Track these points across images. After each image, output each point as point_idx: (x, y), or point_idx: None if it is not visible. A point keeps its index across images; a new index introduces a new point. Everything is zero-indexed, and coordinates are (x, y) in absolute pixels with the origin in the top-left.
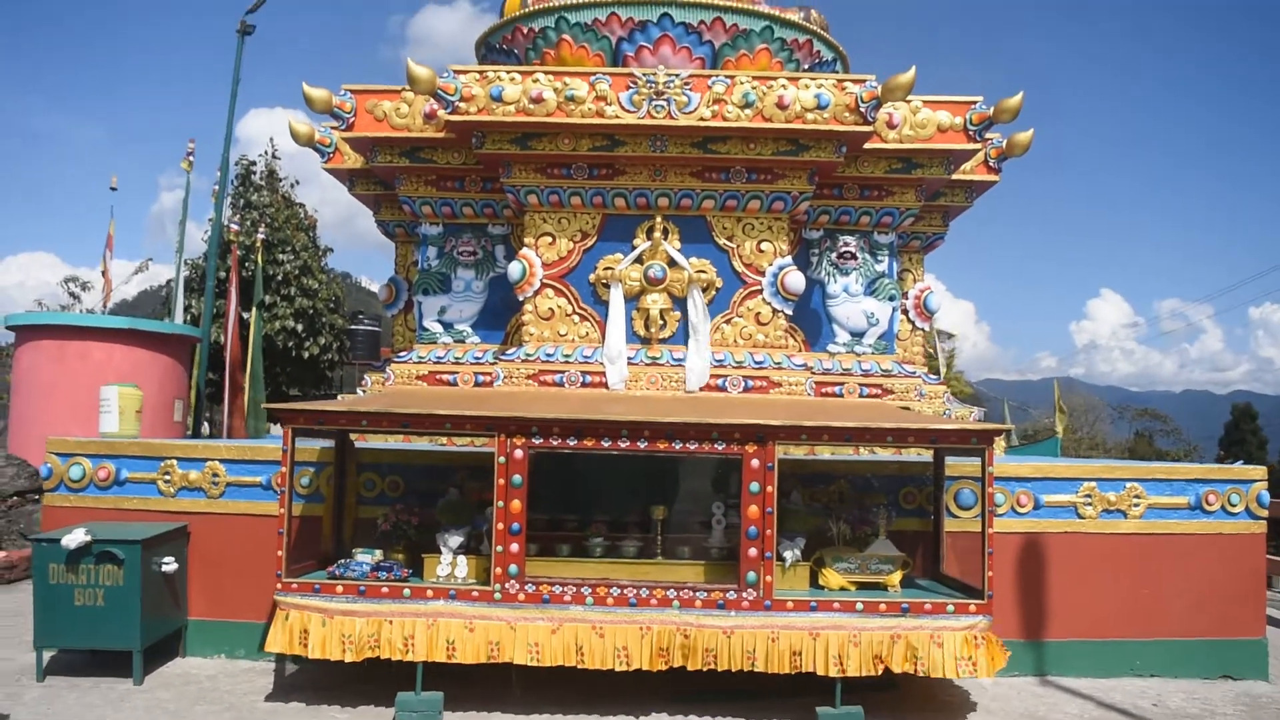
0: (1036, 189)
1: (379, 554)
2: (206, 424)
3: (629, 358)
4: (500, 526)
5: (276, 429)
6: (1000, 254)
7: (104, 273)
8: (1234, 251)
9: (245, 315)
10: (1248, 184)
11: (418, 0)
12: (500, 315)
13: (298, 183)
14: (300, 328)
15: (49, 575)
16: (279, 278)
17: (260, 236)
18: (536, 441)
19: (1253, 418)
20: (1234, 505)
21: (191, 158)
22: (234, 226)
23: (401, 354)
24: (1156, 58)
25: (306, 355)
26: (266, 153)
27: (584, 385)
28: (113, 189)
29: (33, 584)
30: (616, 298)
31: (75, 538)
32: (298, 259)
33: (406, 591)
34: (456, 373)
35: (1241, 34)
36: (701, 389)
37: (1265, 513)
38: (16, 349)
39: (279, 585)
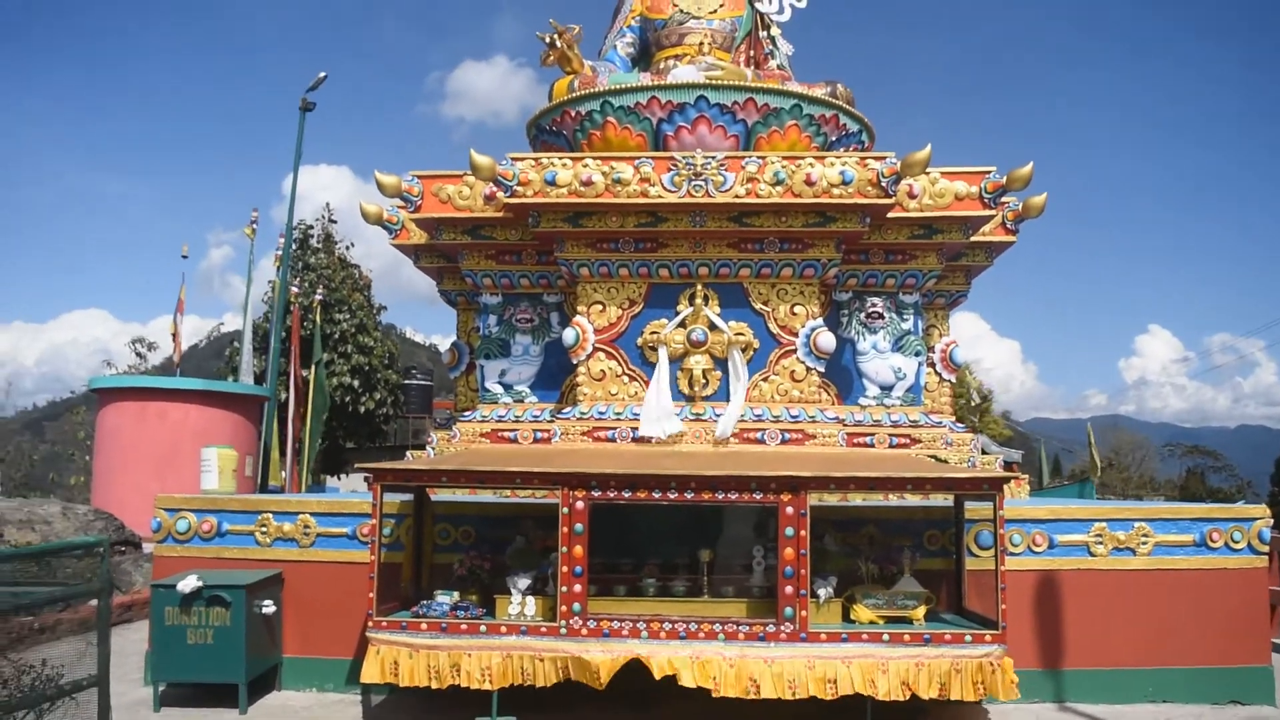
0: (1079, 225)
1: (456, 595)
2: (285, 475)
3: (674, 414)
4: (565, 569)
5: (332, 480)
6: (1045, 292)
7: (174, 335)
8: None
9: (305, 373)
10: None
11: (455, 57)
12: (555, 376)
13: (352, 245)
14: (357, 383)
15: (165, 617)
16: (336, 336)
17: (318, 297)
18: (596, 494)
19: None
20: (1236, 542)
21: (255, 225)
22: (294, 289)
23: (466, 413)
24: (1204, 89)
25: (363, 410)
26: (323, 217)
27: (634, 440)
28: (184, 256)
29: (150, 624)
30: (662, 360)
31: (189, 583)
32: (354, 318)
33: (483, 628)
34: (517, 430)
35: None
36: (731, 437)
37: (1266, 549)
38: (99, 410)
39: (371, 623)
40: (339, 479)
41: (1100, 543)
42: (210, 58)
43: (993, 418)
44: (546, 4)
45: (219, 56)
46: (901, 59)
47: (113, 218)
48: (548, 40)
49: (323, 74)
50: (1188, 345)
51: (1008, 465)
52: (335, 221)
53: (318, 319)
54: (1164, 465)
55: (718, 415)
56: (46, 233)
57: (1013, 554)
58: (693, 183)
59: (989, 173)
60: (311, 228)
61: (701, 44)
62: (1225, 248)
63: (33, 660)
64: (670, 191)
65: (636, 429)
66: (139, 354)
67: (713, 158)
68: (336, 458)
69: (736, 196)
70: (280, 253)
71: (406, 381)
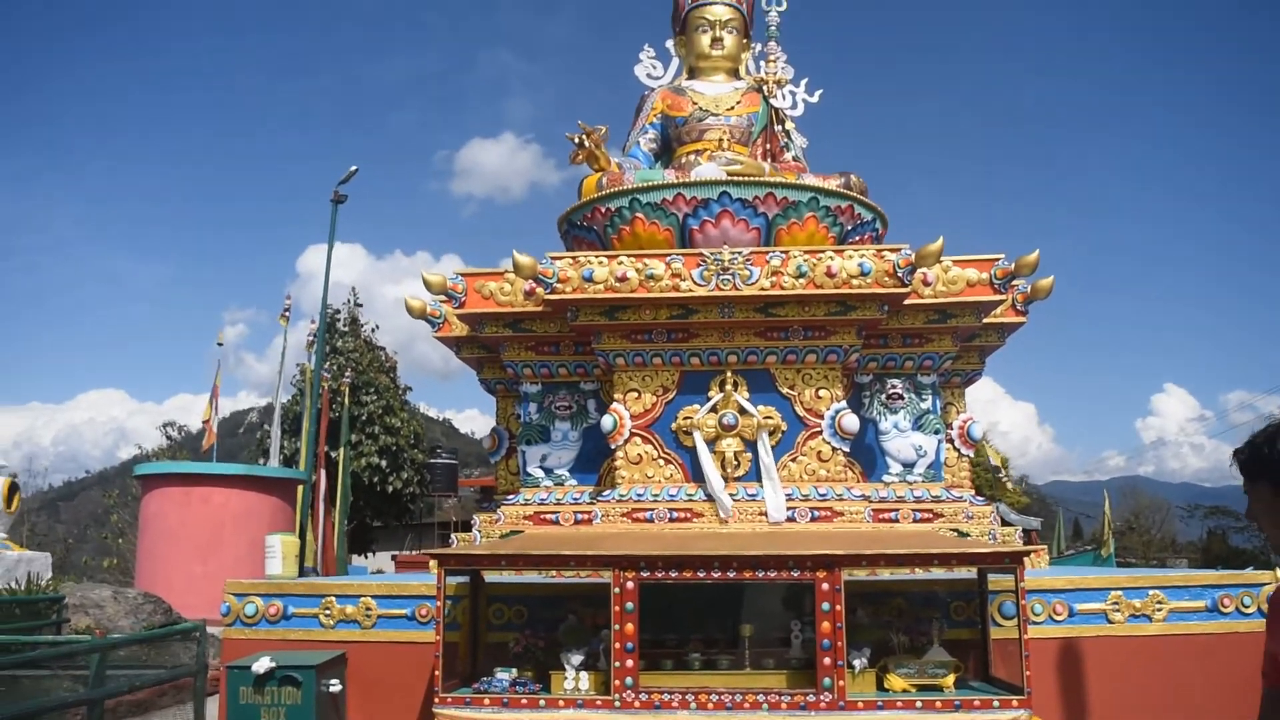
0: (1092, 285)
1: (514, 672)
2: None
3: (708, 496)
4: (617, 645)
5: (358, 559)
6: (1060, 354)
7: (207, 422)
8: None
9: (333, 454)
10: None
11: (463, 135)
12: (594, 460)
13: (377, 327)
14: (384, 463)
15: (239, 696)
16: (364, 417)
17: (346, 380)
18: (645, 574)
19: None
20: (1247, 606)
21: (288, 313)
22: (326, 375)
23: (509, 496)
24: (1219, 148)
25: (390, 489)
26: (349, 300)
27: (670, 520)
28: (219, 344)
29: (225, 704)
30: (701, 443)
31: (263, 664)
32: (380, 399)
33: (542, 702)
34: (558, 512)
35: None
36: (785, 521)
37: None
38: (144, 495)
39: (437, 699)
40: (366, 558)
41: (1117, 610)
42: (222, 139)
43: (1011, 488)
44: (554, 83)
45: (231, 138)
46: (912, 134)
47: (131, 297)
48: (576, 140)
49: (354, 168)
50: (1204, 404)
51: (1026, 534)
52: (361, 305)
53: (345, 401)
54: (1185, 527)
55: (750, 495)
56: (65, 313)
57: (1034, 622)
58: (721, 277)
59: (998, 259)
60: (338, 311)
61: (721, 139)
62: (1239, 306)
63: None
64: (700, 285)
65: (674, 510)
66: (170, 438)
67: (739, 253)
68: (363, 537)
69: (762, 289)
70: (310, 338)
71: (432, 460)
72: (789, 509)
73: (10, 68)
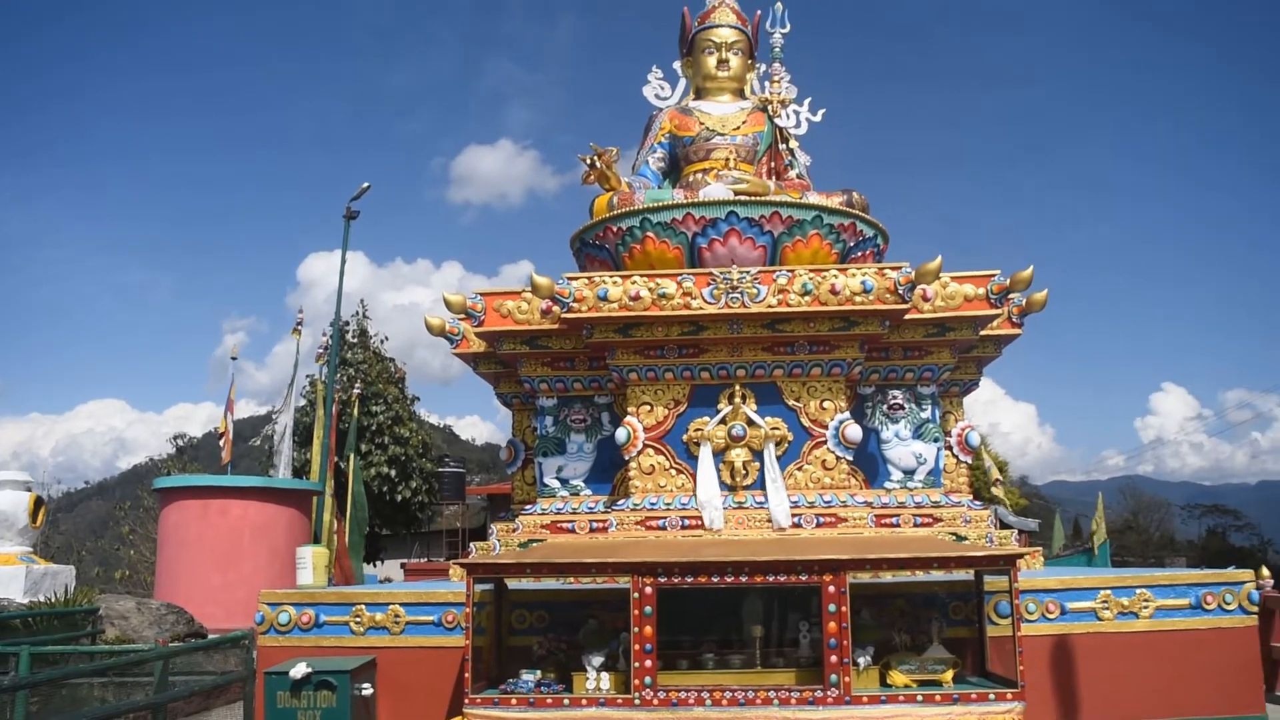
0: (1091, 285)
1: (539, 673)
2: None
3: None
4: (636, 647)
5: (368, 568)
6: (1060, 355)
7: (222, 434)
8: None
9: (342, 464)
10: None
11: (459, 142)
12: (608, 471)
13: (387, 338)
14: (394, 473)
15: (277, 700)
16: (373, 428)
17: (356, 391)
18: (662, 580)
19: None
20: (1229, 604)
21: (300, 326)
22: (337, 387)
23: (526, 506)
24: (1216, 145)
25: (400, 499)
26: (358, 313)
27: (683, 528)
28: (233, 358)
29: (264, 708)
30: (705, 454)
31: (300, 670)
32: (390, 410)
33: (566, 701)
34: (574, 521)
35: None
36: (790, 527)
37: (1256, 609)
38: (163, 508)
39: (467, 700)
40: (375, 566)
41: (1106, 608)
42: (222, 145)
43: (1010, 489)
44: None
45: (231, 144)
46: (913, 148)
47: (131, 306)
48: (588, 161)
49: (366, 184)
50: (1204, 402)
51: (1023, 535)
52: (370, 318)
53: (355, 412)
54: (1184, 525)
55: (759, 503)
56: (66, 323)
57: (1029, 620)
58: (730, 295)
59: (994, 275)
60: (347, 323)
61: (727, 159)
62: (1236, 304)
63: None
64: (710, 304)
65: (685, 518)
66: (180, 449)
67: (747, 272)
68: (372, 545)
69: (769, 306)
70: (321, 350)
71: (441, 470)
72: (795, 515)
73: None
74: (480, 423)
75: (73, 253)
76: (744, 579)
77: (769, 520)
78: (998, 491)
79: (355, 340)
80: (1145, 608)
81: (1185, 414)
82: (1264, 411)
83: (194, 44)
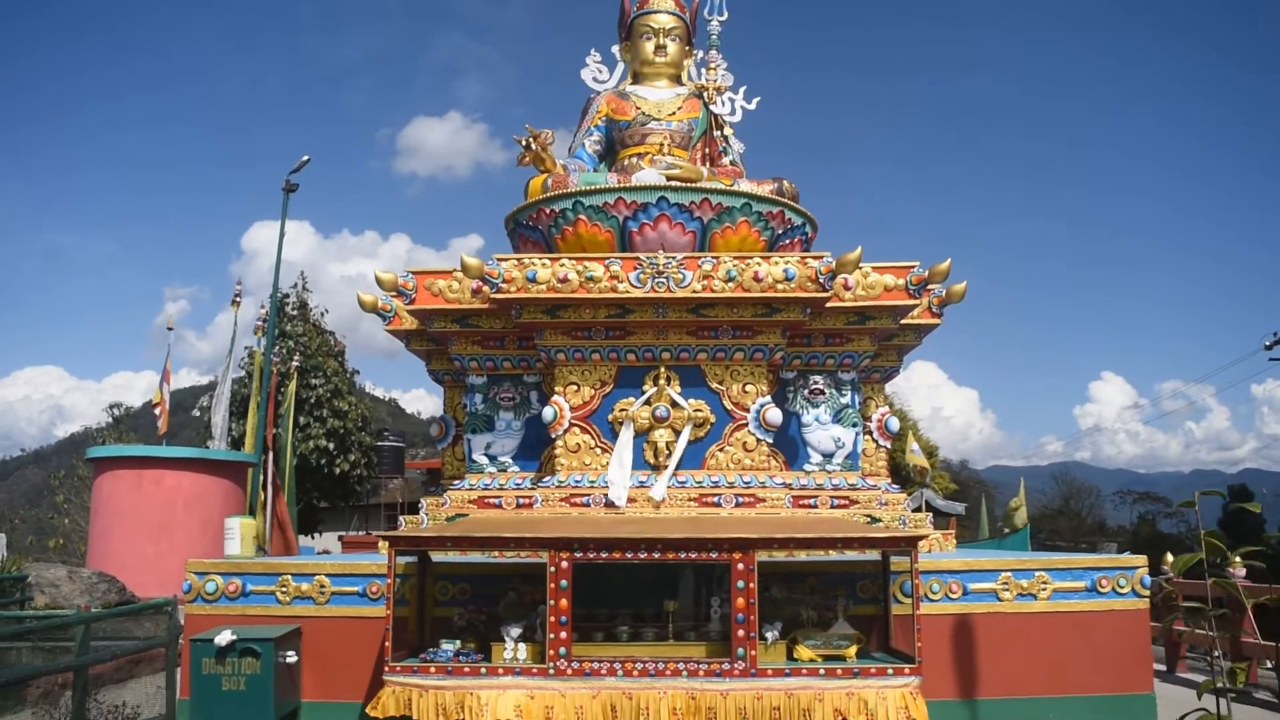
0: (1032, 272)
1: (459, 643)
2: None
3: (642, 482)
4: (552, 619)
5: (305, 540)
6: (1001, 341)
7: (158, 404)
8: (1229, 333)
9: (281, 435)
10: (1243, 266)
11: (407, 113)
12: (535, 449)
13: (327, 311)
14: (332, 446)
15: (202, 667)
16: (312, 400)
17: (295, 364)
18: (578, 555)
19: (1249, 497)
20: (1122, 587)
21: (239, 298)
22: (276, 360)
23: (455, 482)
24: (1153, 146)
25: (338, 471)
26: (298, 284)
27: (606, 505)
28: (169, 329)
29: (189, 674)
30: (625, 434)
31: (224, 637)
32: (329, 383)
33: (483, 670)
34: (501, 497)
35: (1236, 111)
36: (663, 502)
37: (1148, 593)
38: (96, 478)
39: (387, 667)
40: (312, 539)
41: (1006, 589)
42: (161, 109)
43: (937, 473)
44: (505, 66)
45: (169, 107)
46: (849, 136)
47: (71, 272)
48: (524, 143)
49: (306, 157)
50: (1141, 392)
51: (947, 518)
52: (310, 290)
53: (293, 386)
54: (1116, 512)
55: (679, 483)
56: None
57: (932, 600)
58: (656, 280)
59: (913, 267)
60: (287, 295)
61: (662, 144)
62: (1173, 295)
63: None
64: (636, 287)
65: (608, 495)
66: (116, 419)
67: (673, 258)
68: (310, 518)
69: (694, 291)
70: (260, 323)
71: (379, 443)
72: (715, 495)
73: None
74: (426, 396)
75: None
76: (657, 556)
77: (691, 500)
78: (925, 464)
79: (295, 313)
80: (1043, 589)
81: (1123, 402)
82: (1197, 402)
83: (132, 12)
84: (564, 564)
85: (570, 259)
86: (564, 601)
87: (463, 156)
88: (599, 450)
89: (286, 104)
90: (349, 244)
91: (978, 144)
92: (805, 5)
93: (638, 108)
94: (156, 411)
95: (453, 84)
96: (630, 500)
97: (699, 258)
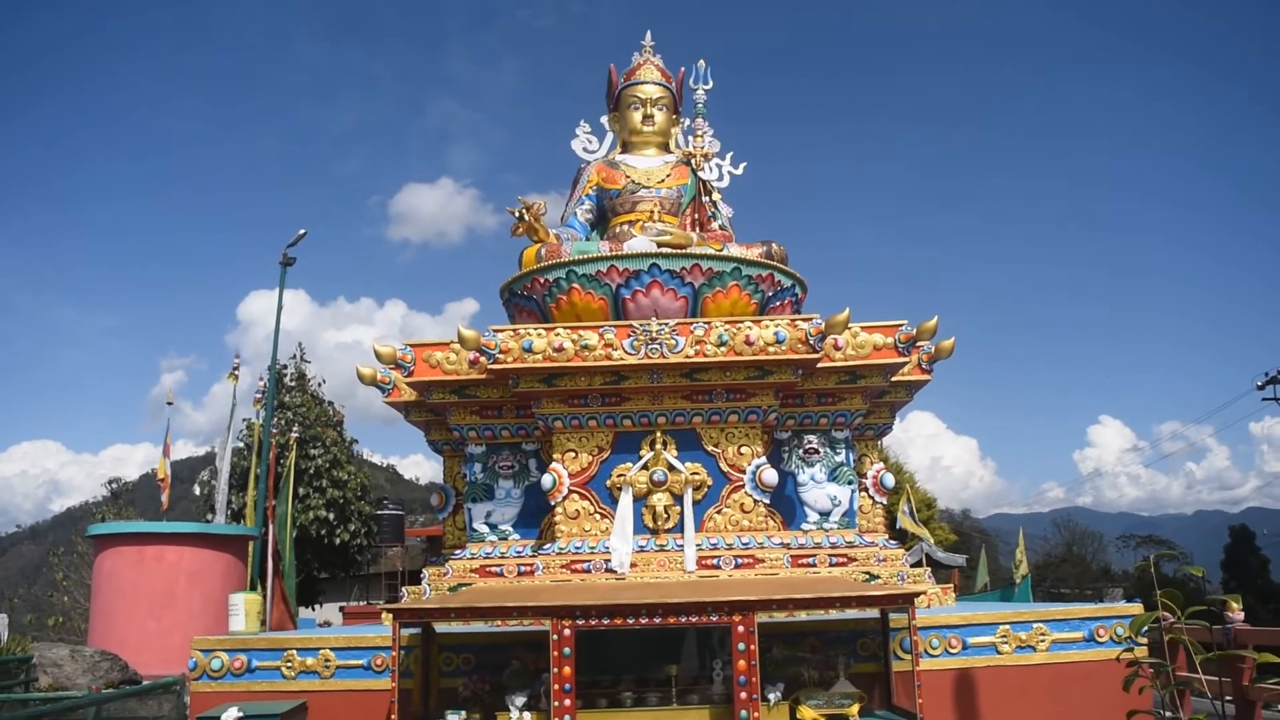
0: (1026, 320)
1: (464, 714)
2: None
3: (642, 546)
4: (556, 687)
5: (305, 611)
6: (1000, 390)
7: (161, 479)
8: (1224, 370)
9: (281, 508)
10: (1237, 301)
11: (398, 180)
12: (535, 516)
13: (324, 381)
14: (332, 516)
15: None
16: (311, 471)
17: (294, 435)
18: (580, 622)
19: (1250, 538)
20: (1120, 636)
21: (237, 371)
22: (275, 432)
23: (456, 551)
24: (1147, 187)
25: (338, 541)
26: (296, 356)
27: (607, 570)
28: (169, 403)
29: None
30: (625, 500)
31: (231, 714)
32: (328, 453)
33: None
34: (503, 565)
35: (1229, 146)
36: (697, 567)
37: (1145, 641)
38: (97, 555)
39: None
40: (313, 610)
41: (1005, 642)
42: (159, 184)
43: (935, 525)
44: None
45: (167, 183)
46: (837, 190)
47: (68, 346)
48: (517, 214)
49: (302, 231)
50: (1140, 435)
51: (949, 570)
52: (309, 361)
53: (292, 457)
54: (1120, 556)
55: (679, 546)
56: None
57: (932, 655)
58: (649, 346)
59: (901, 325)
60: (285, 366)
61: (652, 211)
62: (1167, 335)
63: None
64: (630, 354)
65: (609, 561)
66: (113, 493)
67: (666, 324)
68: (310, 589)
69: (687, 357)
70: (258, 395)
71: (379, 512)
72: (714, 557)
73: None
74: (424, 461)
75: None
76: (658, 620)
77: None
78: (921, 532)
79: (294, 384)
80: (1042, 641)
81: (1122, 445)
82: (1196, 442)
83: (127, 84)
84: (566, 631)
85: (565, 328)
86: (567, 669)
87: (455, 222)
88: (598, 516)
89: (279, 172)
90: (344, 311)
91: (972, 189)
92: (795, 56)
93: (627, 176)
94: (160, 486)
95: (444, 150)
96: (633, 566)
97: (691, 323)
